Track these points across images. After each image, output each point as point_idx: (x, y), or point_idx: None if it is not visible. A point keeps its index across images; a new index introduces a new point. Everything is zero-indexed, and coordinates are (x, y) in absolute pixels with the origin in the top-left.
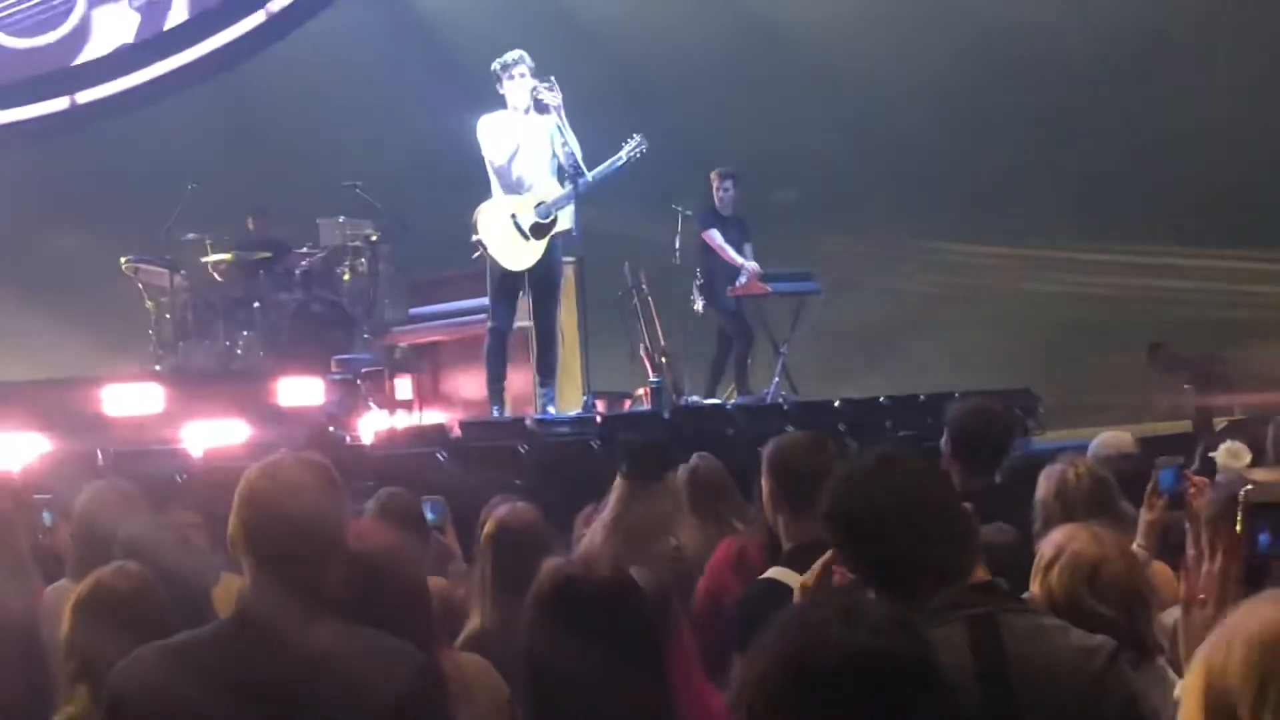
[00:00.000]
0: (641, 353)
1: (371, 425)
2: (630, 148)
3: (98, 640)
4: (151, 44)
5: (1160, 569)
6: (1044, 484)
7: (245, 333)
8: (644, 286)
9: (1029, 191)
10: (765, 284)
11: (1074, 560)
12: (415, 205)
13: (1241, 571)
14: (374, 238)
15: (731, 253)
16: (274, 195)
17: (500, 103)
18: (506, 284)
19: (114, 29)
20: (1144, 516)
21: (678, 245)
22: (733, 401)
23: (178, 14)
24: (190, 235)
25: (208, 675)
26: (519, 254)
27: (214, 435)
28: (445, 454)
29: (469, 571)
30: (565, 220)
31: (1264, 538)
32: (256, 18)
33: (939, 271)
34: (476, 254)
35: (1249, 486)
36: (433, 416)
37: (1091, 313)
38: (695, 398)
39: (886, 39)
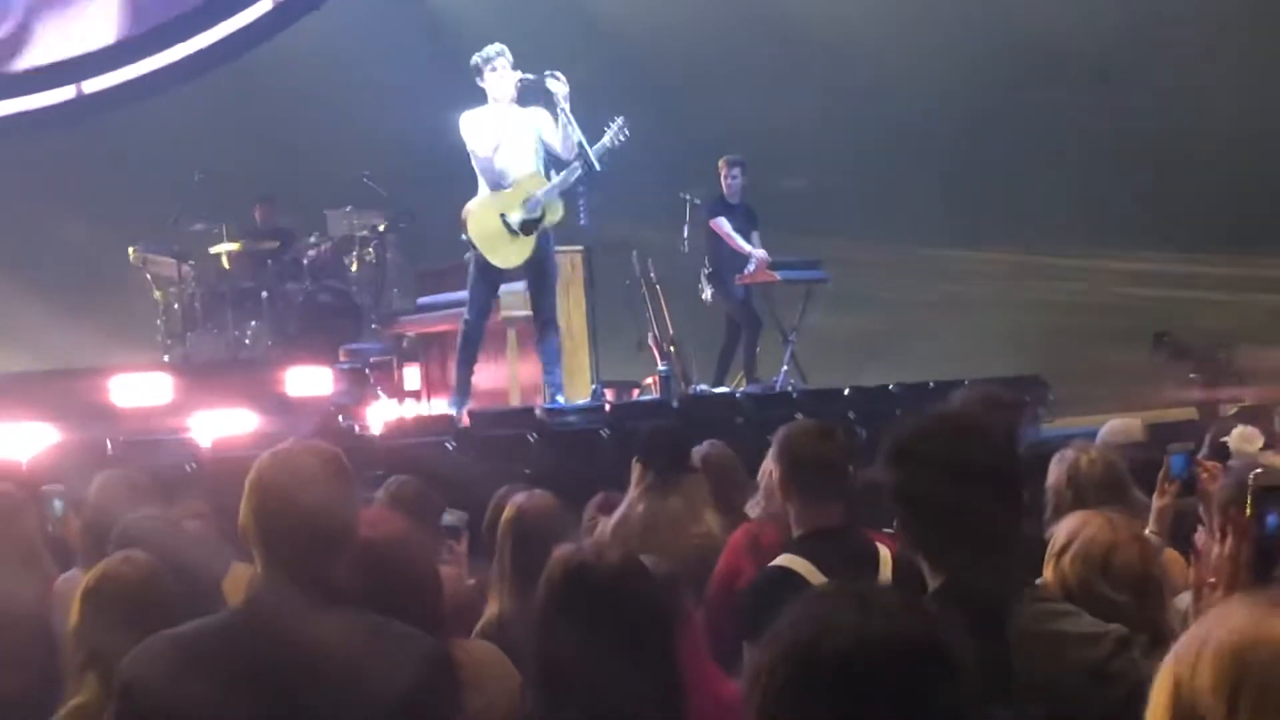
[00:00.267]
0: (649, 342)
1: (380, 415)
2: (612, 132)
3: (106, 629)
4: (158, 32)
5: (1171, 555)
6: (1056, 470)
7: (253, 322)
8: (652, 275)
9: (1032, 189)
10: (773, 272)
11: (1087, 546)
12: (423, 195)
13: (1251, 555)
14: (381, 227)
15: (739, 241)
16: (281, 185)
17: (482, 97)
18: (487, 279)
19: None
20: (1156, 503)
21: (685, 234)
22: (741, 390)
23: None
24: (198, 225)
25: (218, 664)
26: (510, 251)
27: (222, 425)
28: (454, 443)
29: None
30: (555, 213)
31: (1272, 520)
32: (263, 6)
33: (948, 260)
34: (467, 254)
35: (1258, 470)
36: (441, 406)
37: (1097, 300)
38: (703, 386)
39: (890, 30)
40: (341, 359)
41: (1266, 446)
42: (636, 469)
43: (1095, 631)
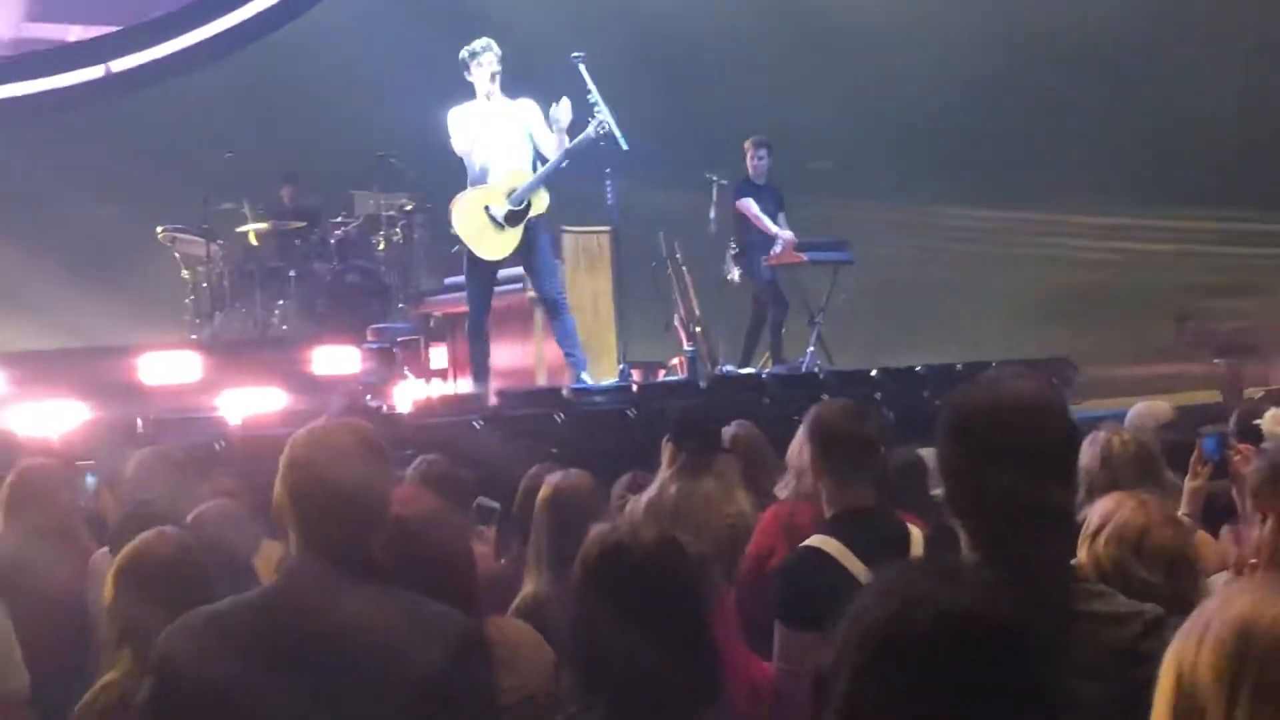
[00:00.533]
0: (676, 322)
1: (407, 394)
2: (595, 123)
3: (139, 605)
4: (186, 12)
5: (1203, 537)
6: (1088, 452)
7: (281, 302)
8: (678, 256)
9: (1051, 157)
10: (800, 253)
11: (1121, 528)
12: (449, 176)
13: None
14: (409, 207)
15: (766, 222)
16: (309, 165)
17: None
18: (478, 272)
19: None
20: (1188, 484)
21: (712, 214)
22: (768, 371)
23: None
24: (226, 204)
25: (254, 640)
26: (495, 243)
27: (250, 404)
28: (482, 422)
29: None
30: (540, 204)
31: None
32: None
33: (971, 239)
34: (455, 248)
35: None
36: (468, 385)
37: (1119, 279)
38: (730, 367)
39: (911, 7)
40: (369, 338)
41: None
42: (668, 449)
43: (1128, 611)
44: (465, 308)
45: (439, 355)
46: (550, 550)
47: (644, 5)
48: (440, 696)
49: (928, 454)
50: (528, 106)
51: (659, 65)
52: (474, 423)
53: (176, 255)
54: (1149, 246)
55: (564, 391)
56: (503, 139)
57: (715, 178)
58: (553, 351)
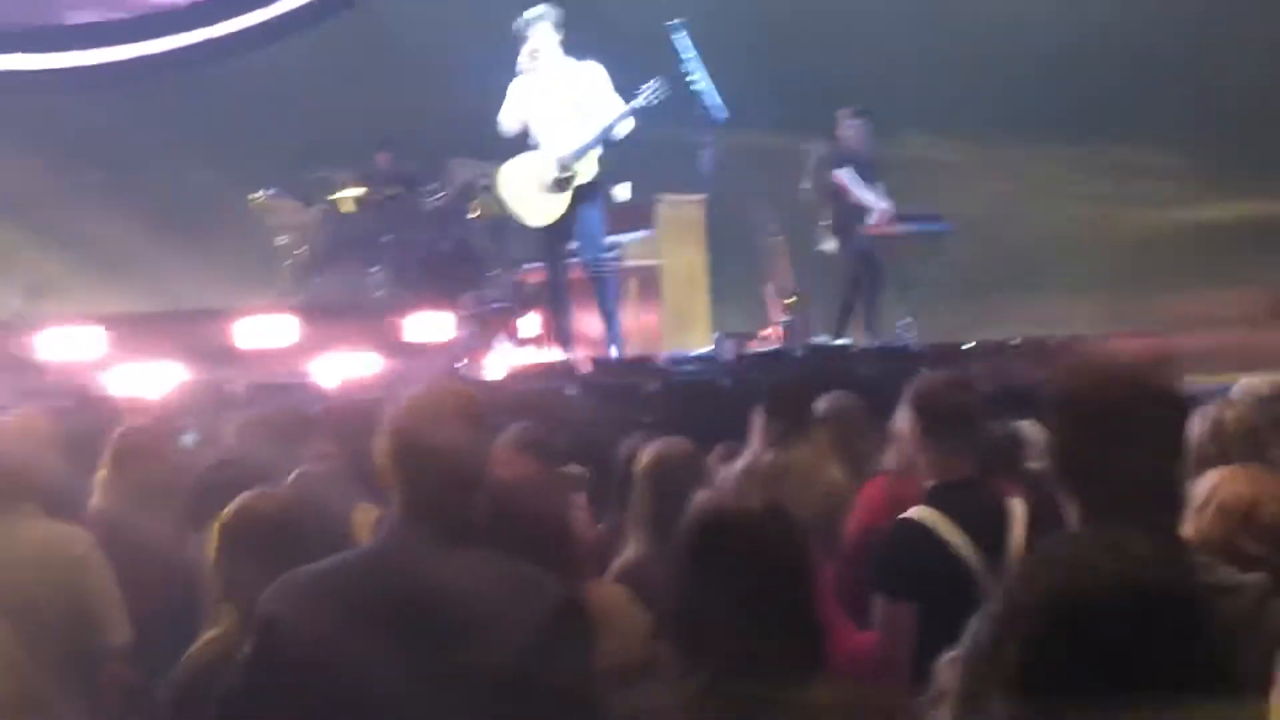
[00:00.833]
0: (769, 293)
1: (500, 361)
2: (648, 92)
3: (242, 562)
4: None
5: None
6: (1199, 425)
7: (375, 268)
8: (773, 226)
9: (1157, 117)
10: (896, 224)
11: (1229, 501)
12: None
13: None
14: None
15: (862, 192)
16: (405, 132)
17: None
18: (539, 239)
19: None
20: None
21: (808, 184)
22: (862, 343)
23: None
24: (322, 171)
25: (355, 600)
26: (540, 210)
27: (345, 369)
28: (574, 390)
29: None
30: (586, 172)
31: None
32: None
33: (1071, 207)
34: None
35: None
36: (560, 353)
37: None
38: (824, 338)
39: None
40: (462, 305)
41: None
42: (761, 420)
43: (1237, 583)
44: None
45: (531, 323)
46: (650, 516)
47: None
48: (538, 659)
49: (1023, 426)
50: (590, 71)
51: (757, 32)
52: (567, 390)
53: (273, 220)
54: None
55: (658, 360)
56: (558, 104)
57: (812, 147)
58: (646, 321)
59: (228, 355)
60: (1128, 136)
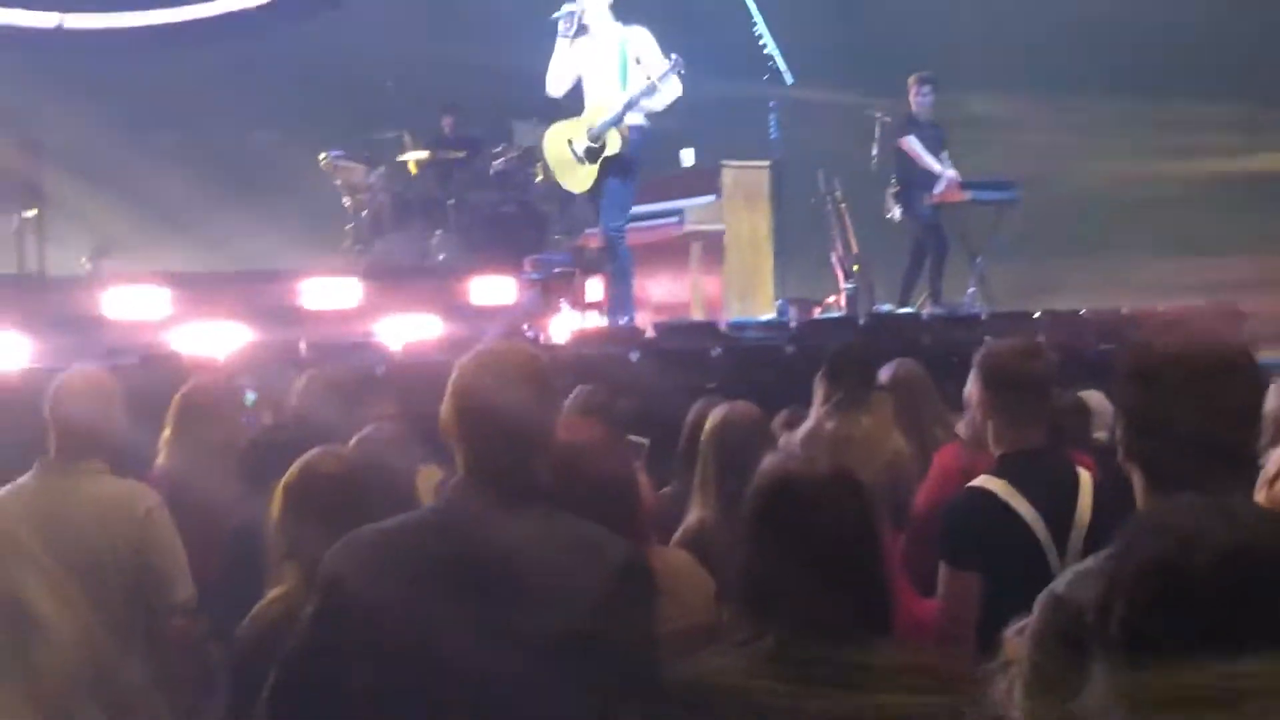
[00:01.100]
0: (834, 260)
1: (563, 325)
2: (665, 70)
3: (306, 522)
4: None
5: None
6: (1274, 398)
7: (439, 231)
8: (838, 193)
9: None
10: (963, 192)
11: None
12: None
13: None
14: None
15: (929, 159)
16: (469, 95)
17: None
18: (588, 204)
19: None
20: None
21: (874, 151)
22: (928, 311)
23: None
24: (387, 132)
25: (419, 559)
26: (576, 178)
27: (409, 331)
28: (638, 355)
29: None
30: (613, 144)
31: None
32: None
33: (1143, 175)
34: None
35: None
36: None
37: None
38: (887, 306)
39: None
40: (525, 269)
41: None
42: (822, 386)
43: None
44: None
45: (595, 287)
46: (715, 481)
47: None
48: (603, 620)
49: (1088, 396)
50: (636, 36)
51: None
52: (630, 355)
53: (338, 182)
54: None
55: (721, 325)
56: (598, 71)
57: (879, 114)
58: (709, 285)
59: (292, 316)
60: (1188, 90)
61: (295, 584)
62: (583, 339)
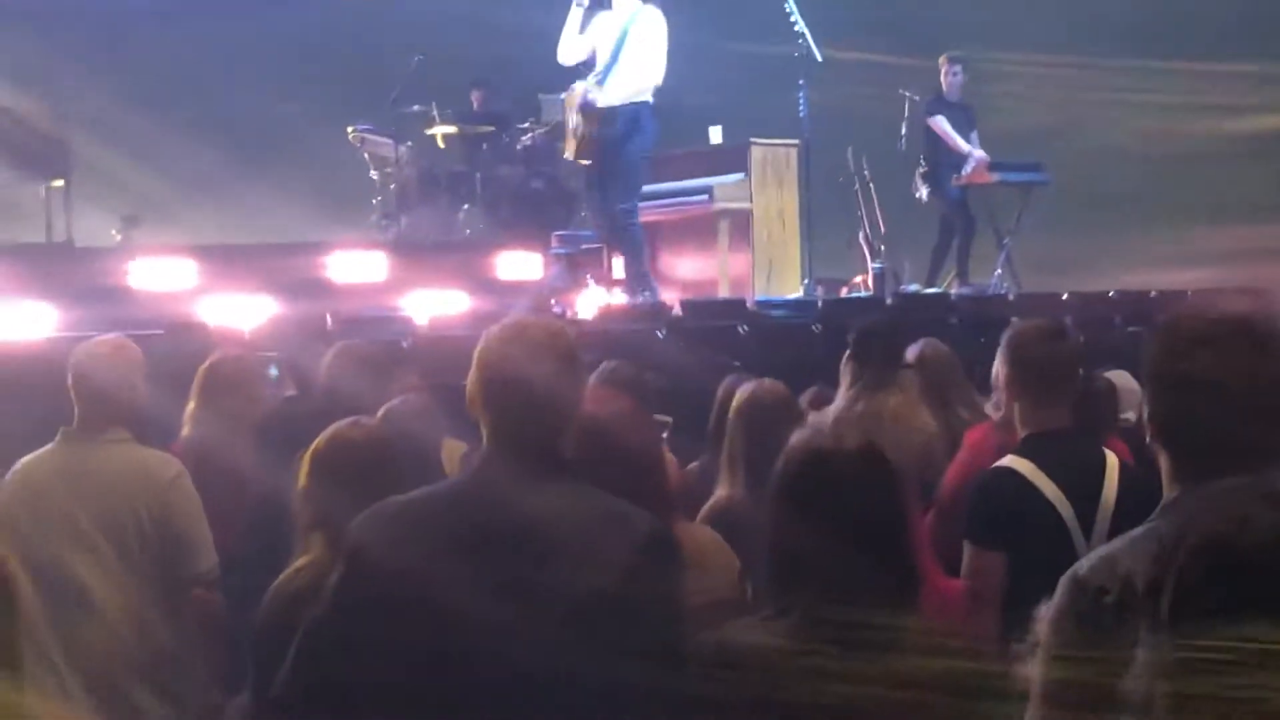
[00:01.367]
0: (861, 239)
1: (590, 302)
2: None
3: (333, 491)
4: None
5: None
6: None
7: (466, 206)
8: (866, 173)
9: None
10: (992, 173)
11: None
12: None
13: None
14: None
15: (958, 140)
16: (498, 70)
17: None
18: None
19: None
20: None
21: (903, 131)
22: (954, 291)
23: None
24: (415, 107)
25: (444, 530)
26: (570, 145)
27: (435, 305)
28: (664, 332)
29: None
30: (588, 125)
31: None
32: None
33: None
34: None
35: None
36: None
37: None
38: (914, 286)
39: None
40: (552, 245)
41: None
42: (849, 367)
43: None
44: (649, 217)
45: (621, 264)
46: (743, 457)
47: None
48: (628, 592)
49: (1115, 376)
50: (645, 16)
51: None
52: (657, 332)
53: (366, 155)
54: None
55: (748, 303)
56: (604, 45)
57: (908, 94)
58: (736, 263)
59: (319, 289)
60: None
61: (321, 553)
62: (609, 315)
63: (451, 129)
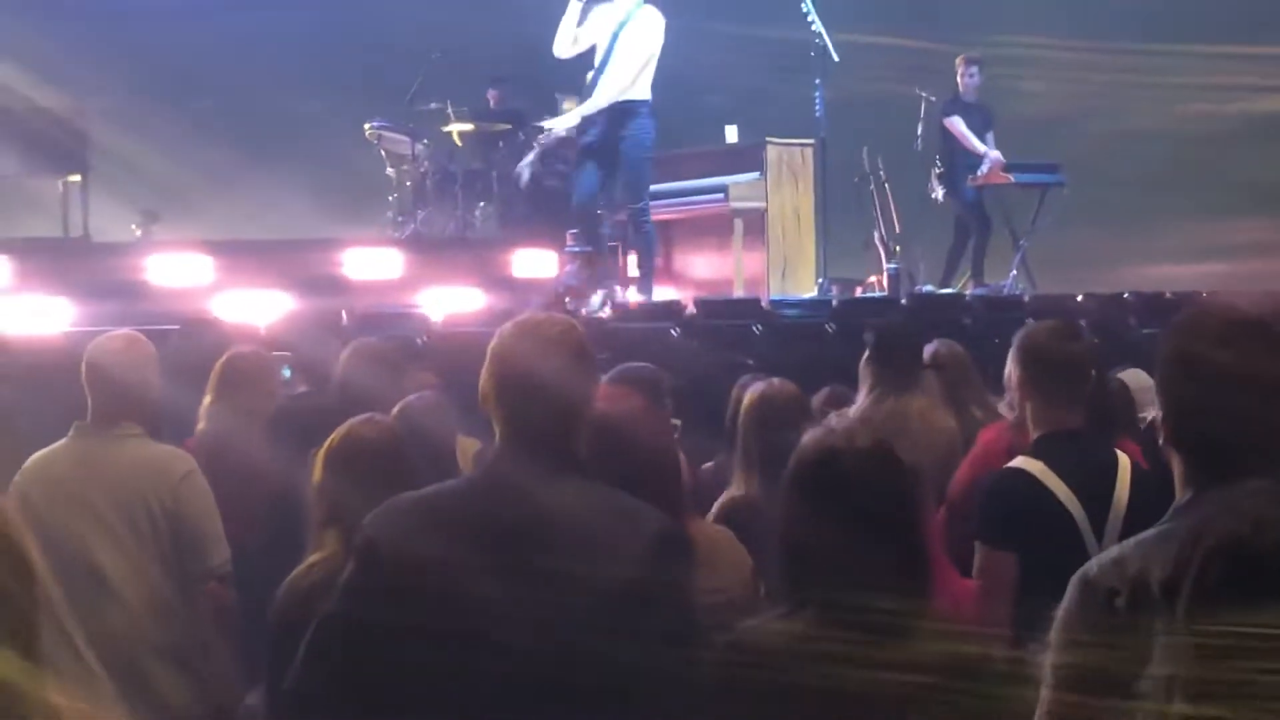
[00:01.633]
0: (876, 239)
1: (605, 300)
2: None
3: (347, 488)
4: None
5: None
6: None
7: (482, 203)
8: (881, 173)
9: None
10: (1008, 174)
11: None
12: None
13: None
14: None
15: (974, 140)
16: (515, 68)
17: None
18: None
19: None
20: None
21: (919, 131)
22: (970, 292)
23: None
24: (432, 104)
25: (457, 528)
26: None
27: (450, 302)
28: (679, 330)
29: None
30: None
31: None
32: None
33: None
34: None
35: None
36: (664, 293)
37: None
38: (929, 287)
39: None
40: (568, 243)
41: None
42: (872, 367)
43: None
44: (664, 216)
45: (636, 262)
46: (755, 456)
47: None
48: (640, 589)
49: (1130, 375)
50: (642, 16)
51: None
52: (671, 330)
53: (382, 152)
54: None
55: (763, 302)
56: (600, 42)
57: (925, 94)
58: (751, 262)
59: (335, 285)
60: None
61: (335, 549)
62: (624, 313)
63: (468, 126)
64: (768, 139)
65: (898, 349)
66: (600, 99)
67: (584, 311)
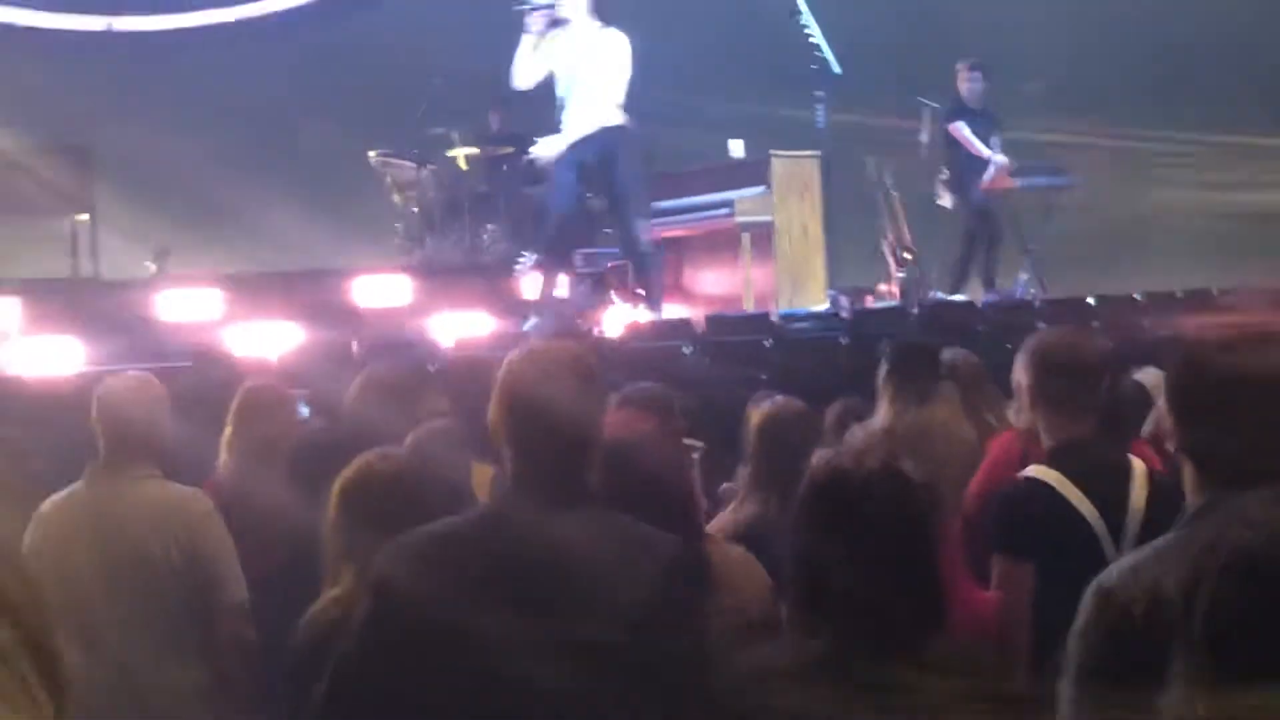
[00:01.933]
0: (885, 248)
1: (616, 319)
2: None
3: (361, 524)
4: None
5: None
6: None
7: (490, 226)
8: (888, 181)
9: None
10: (1014, 178)
11: None
12: (659, 102)
13: None
14: None
15: (979, 146)
16: (517, 91)
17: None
18: None
19: None
20: None
21: (924, 139)
22: (981, 298)
23: None
24: (437, 129)
25: (470, 561)
26: None
27: (461, 327)
28: (690, 348)
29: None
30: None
31: None
32: None
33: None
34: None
35: None
36: (675, 311)
37: None
38: (940, 294)
39: None
40: (577, 263)
41: None
42: (892, 381)
43: None
44: (671, 233)
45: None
46: (765, 475)
47: None
48: (654, 618)
49: (1145, 376)
50: (608, 41)
51: None
52: (683, 348)
53: (388, 179)
54: None
55: (773, 317)
56: (568, 69)
57: (928, 101)
58: (760, 277)
59: (344, 315)
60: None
61: (351, 586)
62: (636, 333)
63: (473, 150)
64: (772, 152)
65: (917, 361)
66: (585, 125)
67: (596, 331)
